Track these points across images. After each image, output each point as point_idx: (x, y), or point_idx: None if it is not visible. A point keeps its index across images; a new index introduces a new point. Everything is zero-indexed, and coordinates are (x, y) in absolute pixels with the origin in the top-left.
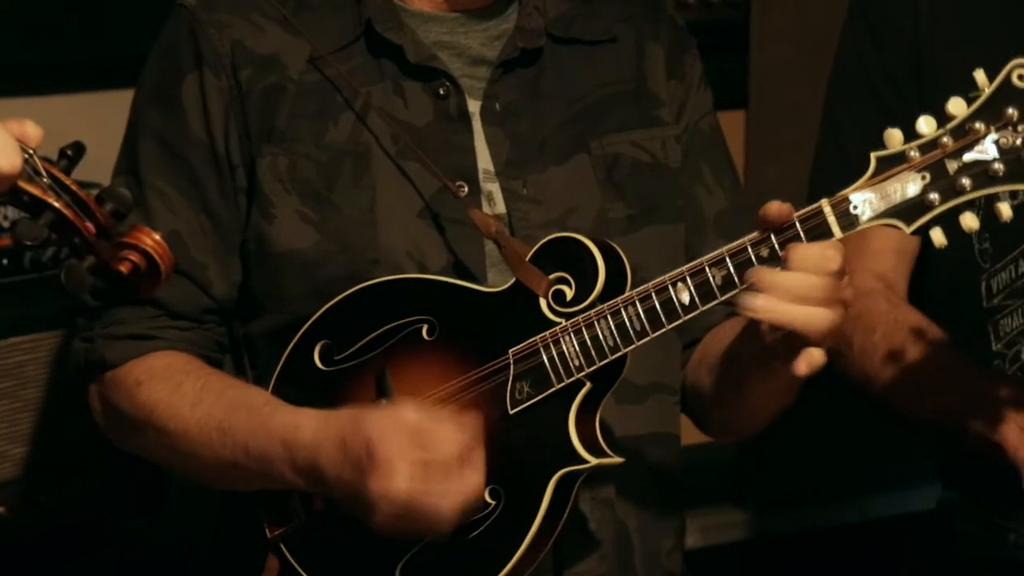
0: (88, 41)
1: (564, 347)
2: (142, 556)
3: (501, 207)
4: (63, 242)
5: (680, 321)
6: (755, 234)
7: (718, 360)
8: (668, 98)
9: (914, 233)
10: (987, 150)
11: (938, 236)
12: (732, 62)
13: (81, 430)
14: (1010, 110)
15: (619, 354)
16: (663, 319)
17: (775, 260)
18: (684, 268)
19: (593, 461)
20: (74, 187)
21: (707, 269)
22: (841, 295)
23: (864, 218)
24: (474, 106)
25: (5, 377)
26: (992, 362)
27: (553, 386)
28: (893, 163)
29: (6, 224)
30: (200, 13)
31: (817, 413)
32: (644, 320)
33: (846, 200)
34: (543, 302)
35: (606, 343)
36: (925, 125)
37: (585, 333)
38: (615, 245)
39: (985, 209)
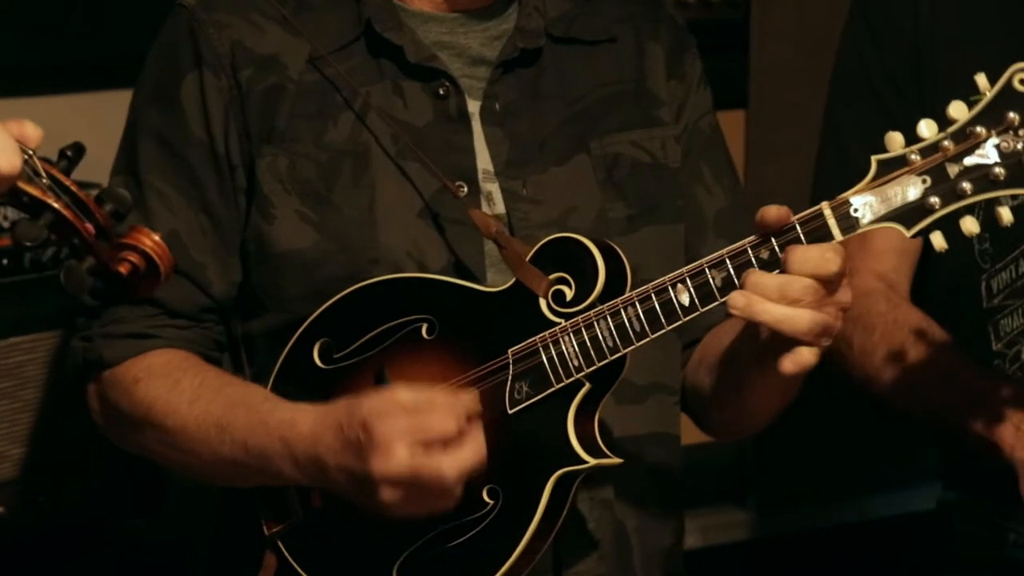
0: (88, 41)
1: (563, 347)
2: (141, 556)
3: (500, 207)
4: (62, 243)
5: (680, 322)
6: (756, 236)
7: (718, 360)
8: (668, 98)
9: (914, 236)
10: (988, 154)
11: (938, 240)
12: (732, 62)
13: (80, 430)
14: (1011, 114)
15: (618, 355)
16: (663, 320)
17: (775, 262)
18: (684, 269)
19: (591, 461)
20: (74, 188)
21: (707, 271)
22: (835, 298)
23: (864, 221)
24: (474, 106)
25: (5, 377)
26: (992, 362)
27: (552, 386)
28: (894, 166)
29: (6, 224)
30: (199, 13)
31: (817, 413)
32: (644, 321)
33: (847, 203)
34: (543, 302)
35: (605, 344)
36: (926, 128)
37: (584, 333)
38: (615, 246)
39: (985, 211)
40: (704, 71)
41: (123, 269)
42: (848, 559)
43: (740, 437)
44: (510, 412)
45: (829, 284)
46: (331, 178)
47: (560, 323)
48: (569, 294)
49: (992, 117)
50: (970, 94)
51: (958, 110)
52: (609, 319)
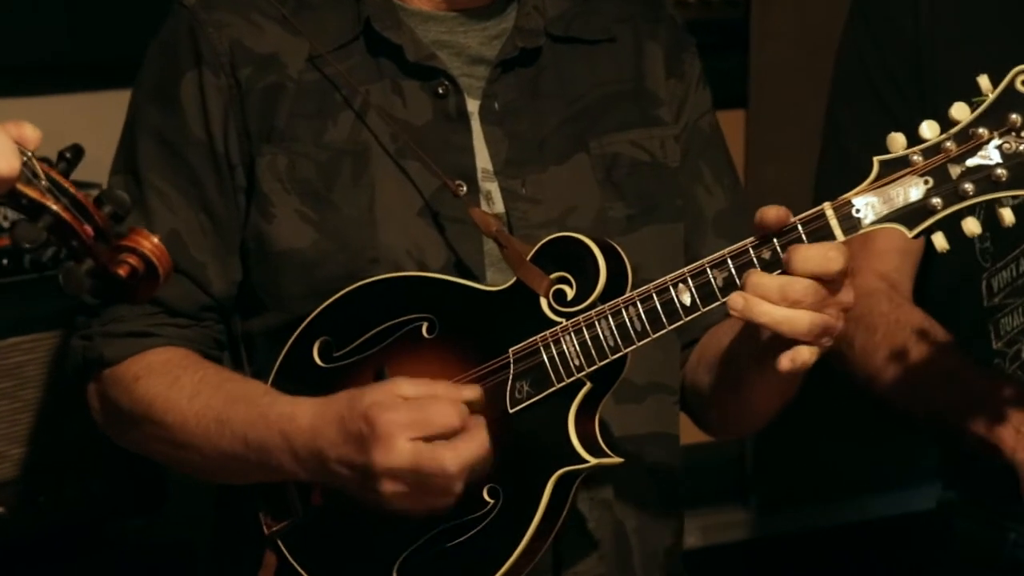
0: (88, 41)
1: (564, 347)
2: (141, 556)
3: (500, 206)
4: (61, 245)
5: (681, 322)
6: (757, 236)
7: (717, 359)
8: (667, 97)
9: (916, 237)
10: (990, 155)
11: (940, 241)
12: (732, 61)
13: (80, 430)
14: (1013, 116)
15: (619, 354)
16: (664, 320)
17: (777, 262)
18: (686, 269)
19: (592, 461)
20: (73, 190)
21: (709, 270)
22: (836, 299)
23: (866, 222)
24: (473, 105)
25: (5, 377)
26: (992, 361)
27: (553, 386)
28: (896, 167)
29: (6, 224)
30: (199, 12)
31: (817, 413)
32: (645, 320)
33: (848, 203)
34: (544, 301)
35: (606, 343)
36: (928, 129)
37: (586, 333)
38: (616, 245)
39: (986, 211)
40: (703, 70)
41: (122, 271)
42: (848, 559)
43: (739, 436)
44: (511, 411)
45: (831, 284)
46: (331, 177)
47: (561, 322)
48: (570, 293)
49: (994, 118)
50: (970, 94)
51: (960, 111)
52: (610, 318)
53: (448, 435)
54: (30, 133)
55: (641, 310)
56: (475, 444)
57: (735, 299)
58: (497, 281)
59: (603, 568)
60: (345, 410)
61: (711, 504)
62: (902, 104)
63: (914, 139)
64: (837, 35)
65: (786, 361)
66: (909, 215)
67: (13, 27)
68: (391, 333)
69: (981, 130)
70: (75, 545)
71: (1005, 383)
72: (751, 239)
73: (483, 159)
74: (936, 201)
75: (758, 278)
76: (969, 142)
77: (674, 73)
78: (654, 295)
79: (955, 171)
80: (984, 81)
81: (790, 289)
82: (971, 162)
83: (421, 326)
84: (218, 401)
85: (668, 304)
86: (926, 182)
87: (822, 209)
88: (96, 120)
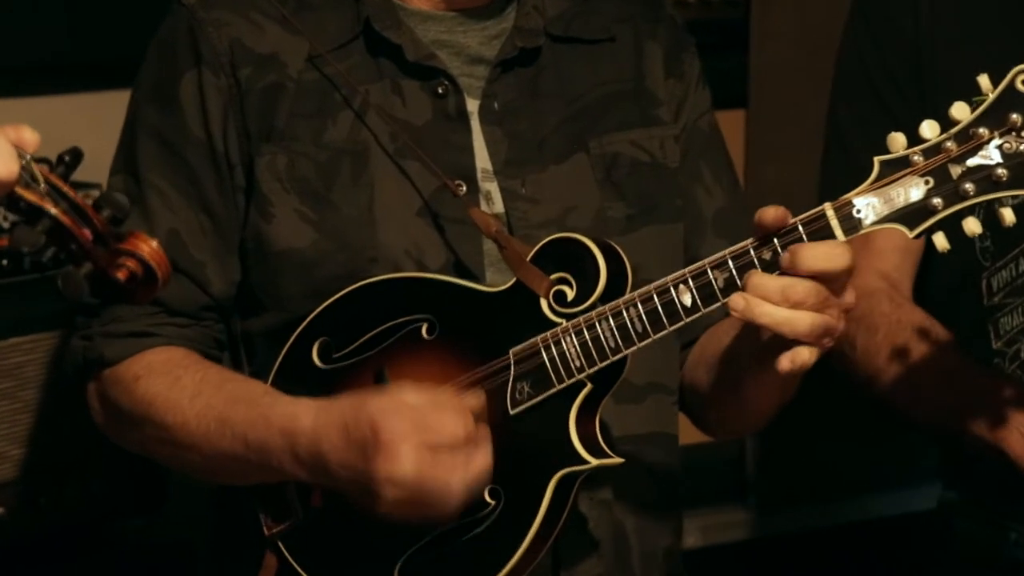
0: (88, 41)
1: (565, 348)
2: (141, 556)
3: (499, 206)
4: (60, 249)
5: (682, 323)
6: (758, 237)
7: (716, 359)
8: (667, 97)
9: (917, 237)
10: (991, 155)
11: (940, 241)
12: (732, 61)
13: (80, 430)
14: (1014, 115)
15: (620, 355)
16: (665, 321)
17: (778, 263)
18: (686, 270)
19: (594, 462)
20: (72, 194)
21: (709, 271)
22: (838, 300)
23: (867, 222)
24: (473, 105)
25: (4, 378)
26: (992, 360)
27: (554, 387)
28: (896, 167)
29: (6, 224)
30: (199, 11)
31: (817, 413)
32: (646, 321)
33: (849, 204)
34: (544, 302)
35: (607, 344)
36: (928, 129)
37: (586, 334)
38: (616, 246)
39: (986, 210)
40: (703, 70)
41: (121, 276)
42: (848, 559)
43: (738, 435)
44: (512, 413)
45: (835, 284)
46: (330, 177)
47: (561, 323)
48: (570, 294)
49: (994, 118)
50: (971, 94)
51: (960, 111)
52: (611, 319)
53: (453, 446)
54: (29, 136)
55: (642, 311)
56: (480, 461)
57: (736, 300)
58: (497, 281)
59: (602, 568)
60: (349, 414)
61: (711, 504)
62: (902, 104)
63: (914, 139)
64: (837, 35)
65: (786, 362)
66: (910, 215)
67: (13, 27)
68: (391, 334)
69: (981, 130)
70: (75, 545)
71: (1007, 384)
72: (752, 240)
73: (483, 159)
74: (937, 201)
75: (759, 279)
76: (969, 142)
77: (674, 73)
78: (655, 296)
79: (956, 171)
80: (984, 81)
81: (792, 290)
82: (972, 162)
83: (421, 327)
84: (219, 401)
85: (669, 305)
86: (927, 182)
87: (823, 209)
88: (96, 120)
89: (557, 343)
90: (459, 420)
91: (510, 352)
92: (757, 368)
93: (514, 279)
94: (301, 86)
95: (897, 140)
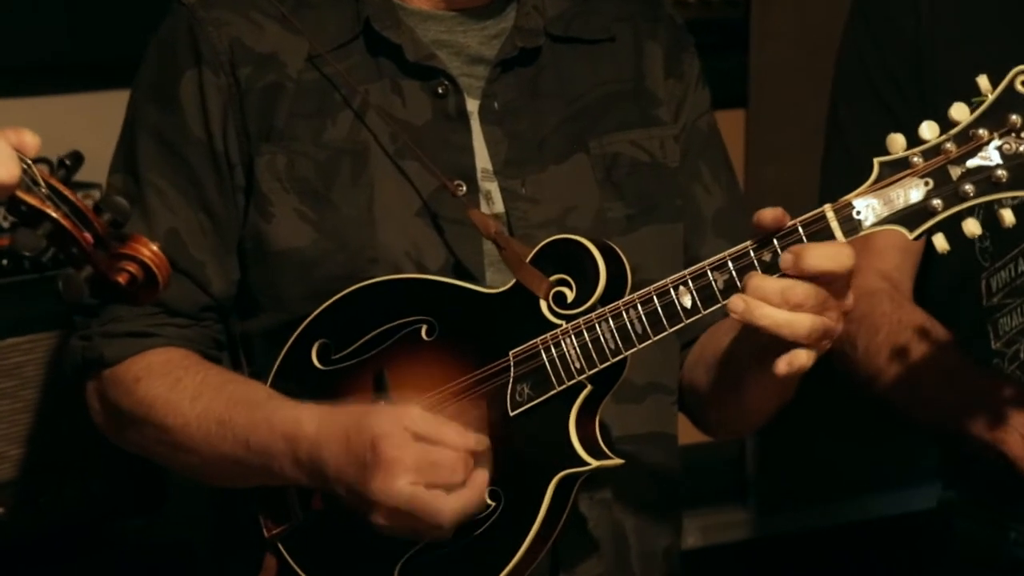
0: (88, 41)
1: (565, 349)
2: (141, 556)
3: (499, 206)
4: (61, 252)
5: (682, 324)
6: (757, 238)
7: (716, 359)
8: (666, 97)
9: (916, 238)
10: (990, 156)
11: (940, 242)
12: (732, 61)
13: (80, 430)
14: (1013, 116)
15: (620, 357)
16: (664, 322)
17: (778, 265)
18: (686, 271)
19: (594, 463)
20: (72, 197)
21: (709, 272)
22: (837, 303)
23: (867, 223)
24: (472, 105)
25: (4, 377)
26: (991, 361)
27: (554, 388)
28: (896, 168)
29: (6, 224)
30: (199, 10)
31: (817, 413)
32: (645, 323)
33: (849, 205)
34: (543, 304)
35: (607, 345)
36: (928, 130)
37: (586, 335)
38: (615, 247)
39: (986, 211)
40: (702, 70)
41: (121, 279)
42: (848, 559)
43: (737, 435)
44: (511, 414)
45: (835, 285)
46: (330, 177)
47: (561, 325)
48: (570, 296)
49: (994, 119)
50: (970, 95)
51: (960, 112)
52: (611, 321)
53: (449, 488)
54: (30, 139)
55: (642, 312)
56: (473, 499)
57: (736, 302)
58: (496, 282)
59: (601, 568)
60: (352, 428)
61: (710, 504)
62: (902, 104)
63: (914, 140)
64: (837, 35)
65: (783, 365)
66: (909, 216)
67: (13, 27)
68: (390, 336)
69: (981, 131)
70: (75, 545)
71: (1008, 385)
72: (751, 241)
73: (483, 159)
74: (936, 202)
75: (759, 281)
76: (969, 143)
77: (673, 73)
78: (655, 297)
79: (955, 172)
80: (984, 81)
81: (791, 292)
82: (971, 163)
83: (420, 328)
84: (220, 403)
85: (669, 306)
86: (926, 183)
87: (823, 211)
88: (96, 120)
89: (557, 345)
90: (460, 464)
91: (510, 354)
92: (757, 368)
93: (514, 280)
94: (301, 86)
95: (897, 141)
